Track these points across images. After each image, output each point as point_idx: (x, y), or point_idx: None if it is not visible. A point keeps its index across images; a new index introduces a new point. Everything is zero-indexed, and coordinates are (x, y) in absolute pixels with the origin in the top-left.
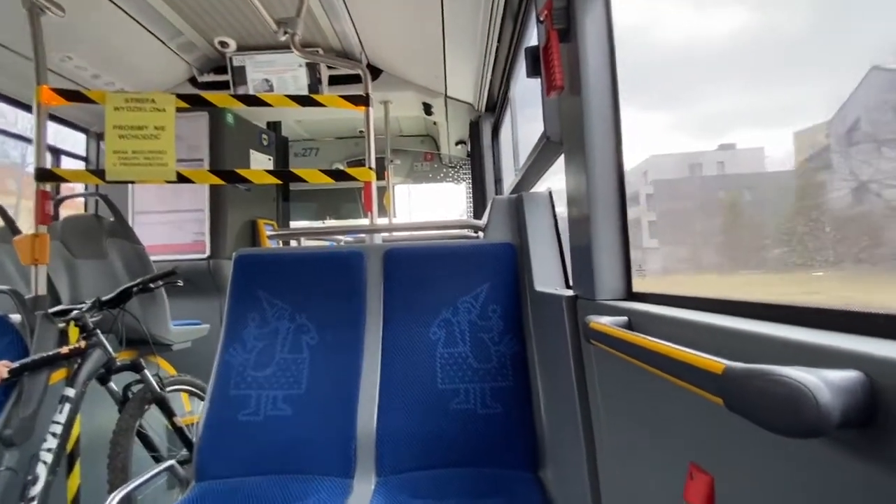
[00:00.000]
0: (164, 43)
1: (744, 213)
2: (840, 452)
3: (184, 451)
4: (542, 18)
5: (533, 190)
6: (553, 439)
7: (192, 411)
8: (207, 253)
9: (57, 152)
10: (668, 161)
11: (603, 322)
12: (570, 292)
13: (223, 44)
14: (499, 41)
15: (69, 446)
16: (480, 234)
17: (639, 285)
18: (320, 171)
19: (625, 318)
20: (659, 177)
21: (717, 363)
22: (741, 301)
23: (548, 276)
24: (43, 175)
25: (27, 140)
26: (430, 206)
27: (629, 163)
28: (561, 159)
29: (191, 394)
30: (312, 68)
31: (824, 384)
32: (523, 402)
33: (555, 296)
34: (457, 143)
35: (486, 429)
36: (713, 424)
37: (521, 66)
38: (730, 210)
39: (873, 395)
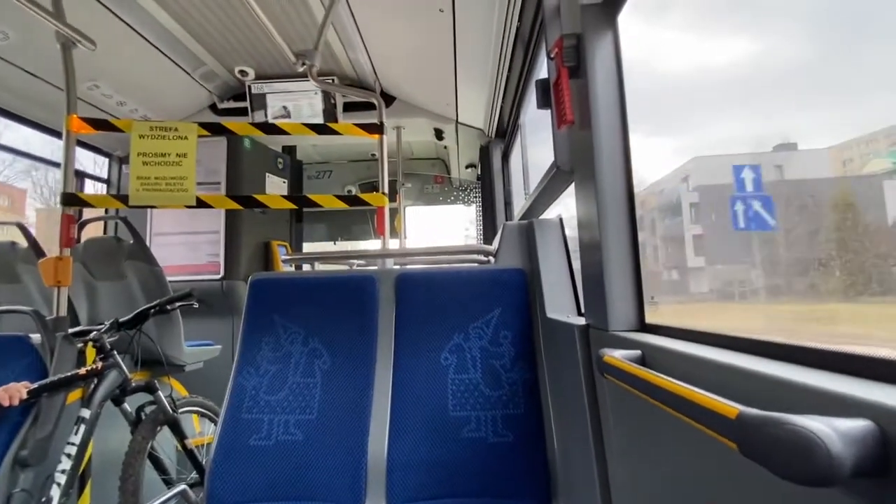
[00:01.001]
0: (187, 72)
1: (825, 225)
2: (854, 501)
3: (193, 474)
4: (552, 55)
5: (543, 216)
6: (565, 470)
7: (202, 433)
8: (221, 274)
9: (81, 175)
10: (715, 164)
11: (616, 356)
12: (582, 321)
13: (243, 73)
14: (509, 70)
15: (82, 467)
16: (491, 258)
17: (686, 317)
18: (335, 196)
19: (638, 353)
20: (705, 182)
21: (730, 408)
22: (754, 339)
23: (559, 303)
24: (69, 200)
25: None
26: (436, 223)
27: (663, 166)
28: (571, 187)
29: (201, 415)
30: (328, 95)
31: (835, 434)
32: (535, 430)
33: (567, 324)
34: (466, 167)
35: (498, 458)
36: (729, 467)
37: (532, 94)
38: (803, 221)
39: (885, 446)
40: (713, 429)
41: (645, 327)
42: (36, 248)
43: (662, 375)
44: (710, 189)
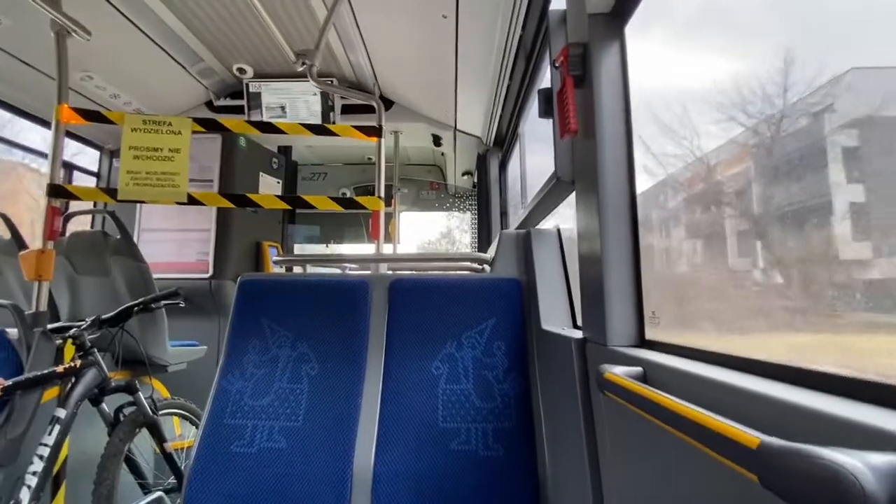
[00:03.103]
0: (184, 67)
1: None
2: None
3: (171, 480)
4: (557, 64)
5: (540, 226)
6: (557, 488)
7: (182, 436)
8: (210, 273)
9: (70, 167)
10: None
11: (617, 373)
12: (579, 334)
13: (241, 70)
14: (510, 79)
15: (55, 469)
16: (486, 267)
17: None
18: (330, 197)
19: (639, 370)
20: (877, 111)
21: (751, 437)
22: (763, 361)
23: (555, 315)
24: (55, 191)
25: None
26: (424, 226)
27: (800, 83)
28: (570, 197)
29: (182, 417)
30: (326, 97)
31: (869, 470)
32: (526, 445)
33: (563, 337)
34: (463, 174)
35: (488, 472)
36: (739, 497)
37: (532, 104)
38: None
39: None
40: (730, 458)
41: (645, 343)
42: (18, 240)
43: (671, 397)
44: (882, 126)
